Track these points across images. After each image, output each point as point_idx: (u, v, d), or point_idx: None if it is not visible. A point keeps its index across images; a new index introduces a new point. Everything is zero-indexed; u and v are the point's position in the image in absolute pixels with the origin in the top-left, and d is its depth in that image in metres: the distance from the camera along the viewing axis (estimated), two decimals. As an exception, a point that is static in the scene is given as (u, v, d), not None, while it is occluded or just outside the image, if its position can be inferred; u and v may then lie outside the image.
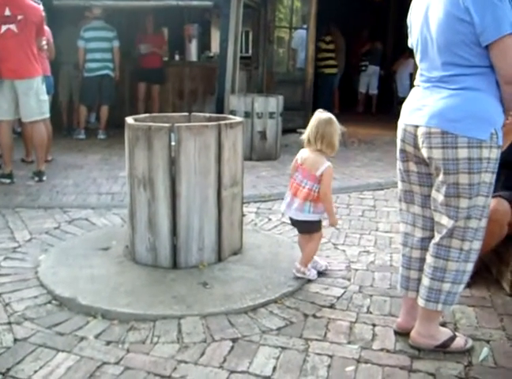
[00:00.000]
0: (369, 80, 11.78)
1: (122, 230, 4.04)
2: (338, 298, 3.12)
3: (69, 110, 8.46)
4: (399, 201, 2.72)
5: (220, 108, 7.35)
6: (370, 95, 11.90)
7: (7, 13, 5.27)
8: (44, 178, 5.61)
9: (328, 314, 2.92)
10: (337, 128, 3.25)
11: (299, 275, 3.30)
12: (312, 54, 9.08)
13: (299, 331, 2.74)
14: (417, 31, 2.50)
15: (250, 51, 9.50)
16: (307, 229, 3.35)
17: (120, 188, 5.33)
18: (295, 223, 3.42)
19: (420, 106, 2.44)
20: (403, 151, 2.57)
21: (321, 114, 3.26)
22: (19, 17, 5.33)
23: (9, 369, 2.39)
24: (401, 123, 2.56)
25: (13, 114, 5.51)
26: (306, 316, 2.90)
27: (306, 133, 3.30)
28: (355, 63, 11.92)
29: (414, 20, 2.55)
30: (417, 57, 2.54)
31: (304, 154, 3.35)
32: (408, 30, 2.63)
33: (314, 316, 2.90)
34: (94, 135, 8.21)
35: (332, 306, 3.01)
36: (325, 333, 2.73)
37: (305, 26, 9.16)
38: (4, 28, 5.27)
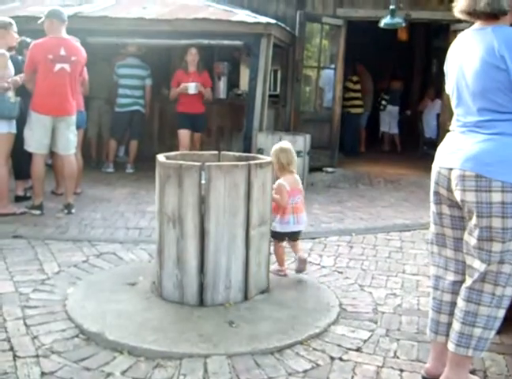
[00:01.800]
0: (389, 120, 11.80)
1: (150, 265, 4.07)
2: (365, 341, 3.09)
3: (99, 143, 8.62)
4: (430, 244, 2.72)
5: (247, 146, 7.44)
6: (391, 134, 11.91)
7: (62, 53, 5.49)
8: (73, 210, 5.70)
9: (354, 358, 2.89)
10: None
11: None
12: (339, 94, 9.18)
13: (326, 374, 2.72)
14: (453, 78, 2.54)
15: (278, 90, 9.61)
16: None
17: (147, 223, 5.38)
18: (297, 233, 4.08)
19: (455, 150, 2.47)
20: (436, 193, 2.59)
21: (282, 145, 4.13)
22: (72, 58, 5.57)
23: (35, 403, 2.41)
24: (436, 166, 2.59)
25: (49, 148, 5.67)
26: (332, 359, 2.87)
27: (277, 163, 4.01)
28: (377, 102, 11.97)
29: (451, 67, 2.60)
30: (453, 102, 2.58)
31: (286, 181, 3.99)
32: (445, 77, 2.67)
33: (341, 359, 2.88)
34: (122, 169, 8.32)
35: (358, 349, 2.99)
36: (352, 377, 2.71)
37: (333, 66, 9.27)
38: (58, 66, 5.48)
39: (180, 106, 7.70)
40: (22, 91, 5.53)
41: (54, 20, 5.56)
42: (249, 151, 6.89)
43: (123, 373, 2.67)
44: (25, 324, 3.15)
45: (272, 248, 3.90)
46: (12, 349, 2.86)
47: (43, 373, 2.64)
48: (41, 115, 5.47)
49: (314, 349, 2.96)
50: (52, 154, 6.01)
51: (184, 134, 7.71)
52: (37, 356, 2.80)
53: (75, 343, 2.95)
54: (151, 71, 8.39)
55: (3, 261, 4.17)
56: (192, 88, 7.48)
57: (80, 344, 2.94)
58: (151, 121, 9.10)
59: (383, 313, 3.48)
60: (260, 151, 6.69)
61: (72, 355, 2.81)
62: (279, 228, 3.94)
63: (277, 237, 3.98)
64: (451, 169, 2.47)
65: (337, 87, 9.11)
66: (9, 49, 5.58)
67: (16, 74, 5.50)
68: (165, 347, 2.86)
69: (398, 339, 3.12)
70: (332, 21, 8.87)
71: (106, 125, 8.47)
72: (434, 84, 11.17)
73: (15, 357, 2.78)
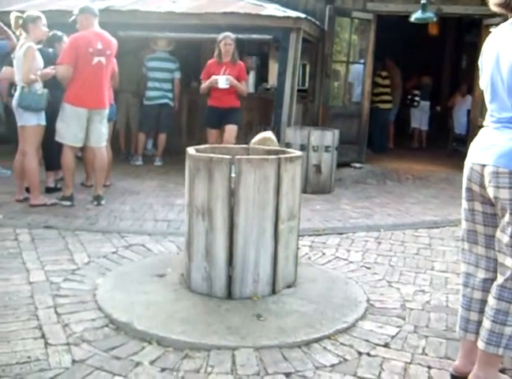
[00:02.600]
0: (420, 116, 11.68)
1: (178, 257, 4.11)
2: (393, 337, 3.07)
3: (127, 136, 8.70)
4: (462, 241, 2.69)
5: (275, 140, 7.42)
6: (421, 130, 11.80)
7: (99, 46, 5.58)
8: (103, 202, 5.77)
9: (382, 353, 2.88)
10: None
11: None
12: (368, 89, 9.11)
13: (353, 369, 2.72)
14: (488, 73, 2.50)
15: (307, 84, 9.57)
16: None
17: (176, 215, 5.42)
18: None
19: (489, 146, 2.44)
20: (469, 190, 2.56)
21: (266, 134, 4.37)
22: (108, 52, 5.66)
23: (66, 390, 2.45)
24: (469, 162, 2.55)
25: (83, 142, 5.74)
26: (360, 354, 2.87)
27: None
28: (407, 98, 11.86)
29: (485, 62, 2.56)
30: (487, 98, 2.54)
31: None
32: (480, 72, 2.63)
33: (368, 354, 2.87)
34: (151, 162, 8.39)
35: (386, 345, 2.97)
36: (380, 373, 2.70)
37: (362, 61, 9.21)
38: (96, 59, 5.57)
39: (211, 100, 7.06)
40: (50, 84, 5.61)
41: (88, 15, 5.63)
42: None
43: (152, 362, 2.70)
44: (56, 312, 3.20)
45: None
46: (43, 336, 2.91)
47: (73, 361, 2.68)
48: (77, 108, 5.54)
49: (342, 344, 2.96)
50: (82, 146, 6.07)
51: (212, 134, 7.06)
52: (68, 344, 2.85)
53: (105, 333, 2.99)
54: (180, 64, 8.43)
55: (35, 251, 4.24)
56: (222, 81, 6.77)
57: (110, 334, 2.98)
58: (180, 114, 9.15)
59: (411, 309, 3.45)
60: (288, 145, 6.67)
61: (102, 344, 2.85)
62: None
63: None
64: (484, 165, 2.43)
65: (366, 82, 9.04)
66: (38, 42, 5.65)
67: (45, 67, 5.58)
68: (193, 338, 2.88)
69: (426, 336, 3.10)
70: (362, 16, 8.80)
71: (133, 118, 8.54)
72: (465, 79, 11.04)
73: (46, 344, 2.83)
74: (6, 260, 4.02)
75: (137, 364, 2.68)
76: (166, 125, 8.42)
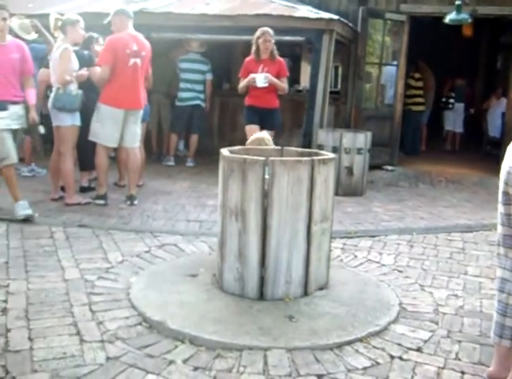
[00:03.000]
0: (454, 118, 11.54)
1: (210, 258, 4.14)
2: (425, 341, 3.05)
3: (159, 137, 8.79)
4: (497, 246, 2.65)
5: (307, 142, 7.42)
6: (455, 133, 11.65)
7: (135, 48, 5.66)
8: (136, 202, 5.83)
9: (415, 357, 2.86)
10: None
11: None
12: (401, 91, 9.04)
13: (386, 372, 2.71)
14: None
15: (339, 86, 9.54)
16: None
17: (208, 216, 5.45)
18: None
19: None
20: (505, 193, 2.52)
21: (261, 134, 4.26)
22: (142, 53, 5.73)
23: (101, 386, 2.49)
24: (505, 165, 2.52)
25: (118, 142, 5.83)
26: (392, 357, 2.85)
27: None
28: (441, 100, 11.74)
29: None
30: None
31: None
32: None
33: (401, 358, 2.85)
34: (183, 162, 8.46)
35: (419, 349, 2.95)
36: (412, 377, 2.69)
37: (395, 62, 9.14)
38: (132, 61, 5.64)
39: (249, 99, 6.69)
40: (85, 85, 5.70)
41: (123, 17, 5.71)
42: (309, 148, 6.88)
43: (185, 361, 2.73)
44: (91, 309, 3.26)
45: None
46: (78, 333, 2.97)
47: (108, 358, 2.73)
48: (114, 109, 5.62)
49: (374, 347, 2.95)
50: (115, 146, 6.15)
51: (253, 130, 6.31)
52: (102, 341, 2.89)
53: (138, 331, 3.03)
54: (211, 66, 8.48)
55: (69, 249, 4.32)
56: (260, 80, 6.39)
57: (143, 332, 3.02)
58: (211, 115, 9.21)
59: (444, 314, 3.42)
60: (320, 147, 6.66)
61: (135, 342, 2.89)
62: None
63: None
64: (522, 169, 2.40)
65: (399, 84, 8.97)
66: (74, 44, 5.75)
67: (80, 68, 5.67)
68: (226, 338, 2.90)
69: (460, 341, 3.07)
70: (395, 17, 8.73)
71: (165, 119, 8.62)
72: (500, 81, 10.87)
73: (81, 341, 2.88)
74: (42, 258, 4.10)
75: (170, 362, 2.71)
76: (198, 126, 8.47)
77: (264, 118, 6.54)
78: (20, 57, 5.10)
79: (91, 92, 5.72)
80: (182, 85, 8.37)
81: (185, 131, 8.68)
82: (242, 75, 6.65)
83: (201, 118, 8.54)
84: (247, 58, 6.66)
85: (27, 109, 5.22)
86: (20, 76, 5.14)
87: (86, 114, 5.67)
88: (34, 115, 5.26)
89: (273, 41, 6.46)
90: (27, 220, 4.97)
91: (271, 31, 6.45)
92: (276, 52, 6.55)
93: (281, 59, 6.66)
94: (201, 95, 8.43)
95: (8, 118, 4.97)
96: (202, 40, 8.31)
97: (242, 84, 6.59)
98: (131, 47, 5.61)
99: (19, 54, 5.09)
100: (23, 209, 5.01)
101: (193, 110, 8.40)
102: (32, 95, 5.28)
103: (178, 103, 8.44)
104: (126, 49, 5.58)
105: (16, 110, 5.06)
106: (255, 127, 6.48)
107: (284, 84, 6.63)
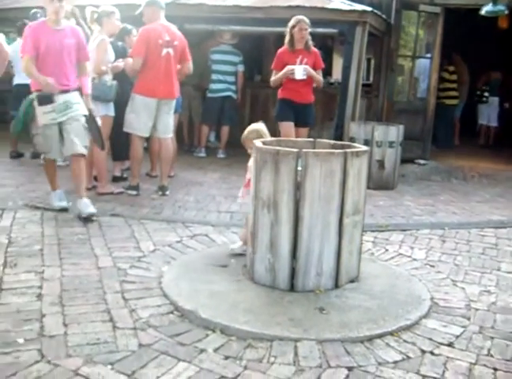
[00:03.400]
0: (488, 112, 11.35)
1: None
2: (457, 336, 3.02)
3: (189, 129, 8.83)
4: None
5: (338, 134, 7.39)
6: (489, 127, 11.46)
7: (167, 38, 5.70)
8: (167, 192, 5.88)
9: (446, 353, 2.84)
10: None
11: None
12: (435, 84, 8.92)
13: (416, 367, 2.69)
14: None
15: (371, 79, 9.46)
16: None
17: (238, 207, 5.45)
18: None
19: None
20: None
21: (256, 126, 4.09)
22: (175, 43, 5.77)
23: (133, 372, 2.53)
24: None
25: (150, 132, 5.88)
26: (423, 352, 2.83)
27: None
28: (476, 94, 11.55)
29: None
30: None
31: None
32: None
33: (432, 353, 2.83)
34: (214, 154, 8.49)
35: (450, 345, 2.93)
36: (444, 372, 2.66)
37: (428, 55, 9.03)
38: (165, 51, 5.70)
39: (284, 91, 6.30)
40: (120, 76, 5.75)
41: (155, 8, 5.75)
42: (340, 141, 6.85)
43: (216, 350, 2.75)
44: (123, 297, 3.30)
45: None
46: (111, 320, 3.01)
47: (140, 345, 2.77)
48: (147, 98, 5.67)
49: (405, 341, 2.93)
50: (148, 137, 6.20)
51: (288, 128, 6.20)
52: (135, 328, 2.93)
53: (170, 319, 3.06)
54: (243, 58, 8.48)
55: (102, 238, 4.38)
56: (300, 72, 6.01)
57: (175, 320, 3.05)
58: (242, 107, 9.22)
59: (476, 309, 3.38)
60: (352, 140, 6.62)
61: (167, 330, 2.93)
62: None
63: None
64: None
65: (433, 77, 8.85)
66: (110, 36, 5.81)
67: (115, 60, 5.73)
68: (256, 328, 2.92)
69: (492, 338, 3.03)
70: (429, 9, 8.61)
71: (195, 111, 8.66)
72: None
73: (114, 327, 2.93)
74: (76, 246, 4.17)
75: (201, 351, 2.73)
76: (229, 117, 8.49)
77: (299, 114, 6.23)
78: (76, 42, 4.97)
79: (125, 84, 5.78)
80: (214, 77, 8.39)
81: (216, 123, 8.71)
82: (275, 67, 6.27)
83: (233, 109, 8.55)
84: (280, 49, 6.30)
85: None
86: (75, 63, 5.00)
87: (120, 105, 5.74)
88: (89, 105, 5.11)
89: (309, 30, 6.13)
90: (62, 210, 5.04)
91: (306, 19, 6.13)
92: (311, 42, 6.24)
93: (316, 50, 6.36)
94: (233, 87, 8.45)
95: (54, 111, 4.82)
96: (234, 32, 8.32)
97: (278, 76, 6.17)
98: (163, 37, 5.65)
99: (74, 39, 4.96)
100: (59, 200, 5.08)
101: (225, 101, 8.43)
102: (87, 84, 5.17)
103: (209, 95, 8.47)
104: (159, 39, 5.62)
105: (65, 98, 4.85)
106: (290, 124, 6.21)
107: (321, 77, 6.32)
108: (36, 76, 4.78)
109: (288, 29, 6.15)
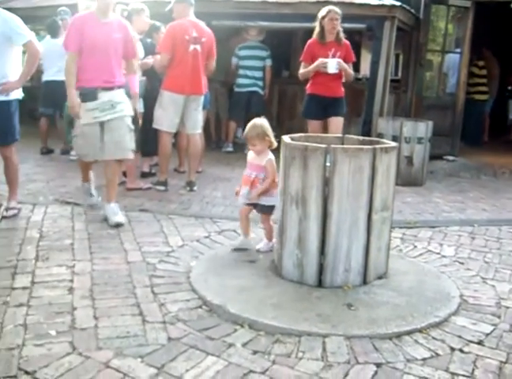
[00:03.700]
0: None
1: (269, 244, 4.17)
2: (487, 334, 2.99)
3: (217, 125, 8.86)
4: None
5: (366, 130, 7.35)
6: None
7: (194, 34, 5.74)
8: (195, 188, 5.92)
9: (476, 351, 2.81)
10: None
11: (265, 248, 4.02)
12: (464, 79, 8.82)
13: (445, 364, 2.67)
14: None
15: (400, 74, 9.38)
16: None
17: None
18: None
19: None
20: None
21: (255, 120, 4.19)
22: (203, 39, 5.80)
23: (163, 365, 2.56)
24: None
25: (177, 127, 5.92)
26: (452, 349, 2.81)
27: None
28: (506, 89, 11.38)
29: None
30: None
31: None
32: None
33: (461, 350, 2.81)
34: (241, 149, 8.50)
35: (480, 343, 2.90)
36: (473, 370, 2.64)
37: (458, 50, 8.92)
38: (192, 47, 5.73)
39: (312, 86, 6.05)
40: (149, 73, 5.80)
41: (184, 4, 5.78)
42: (368, 137, 6.81)
43: (244, 345, 2.76)
44: (153, 292, 3.34)
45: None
46: (141, 314, 3.05)
47: (169, 339, 2.79)
48: (175, 94, 5.72)
49: (434, 338, 2.91)
50: (175, 133, 6.25)
51: (315, 126, 6.04)
52: (164, 322, 2.96)
53: (199, 313, 3.09)
54: (271, 52, 8.47)
55: (131, 232, 4.43)
56: (333, 65, 5.77)
57: (204, 315, 3.08)
58: (270, 103, 9.21)
59: (507, 307, 3.34)
60: (380, 136, 6.58)
61: (196, 324, 2.95)
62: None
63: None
64: None
65: (462, 72, 8.74)
66: (140, 33, 5.85)
67: (144, 57, 5.78)
68: (285, 323, 2.92)
69: (523, 336, 3.00)
70: (459, 3, 8.50)
71: (222, 107, 8.68)
72: None
73: (144, 321, 2.96)
74: (106, 240, 4.23)
75: (230, 345, 2.75)
76: (256, 113, 8.45)
77: (329, 107, 6.02)
78: (123, 37, 4.69)
79: (154, 80, 5.84)
80: (241, 72, 8.42)
81: (243, 119, 8.71)
82: (304, 59, 6.00)
83: (260, 104, 8.55)
84: (309, 40, 6.03)
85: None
86: (121, 58, 4.76)
87: (149, 102, 5.79)
88: (135, 105, 4.96)
89: (340, 21, 5.86)
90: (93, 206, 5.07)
91: (337, 9, 5.87)
92: (343, 34, 5.98)
93: (347, 42, 6.09)
94: (260, 82, 8.45)
95: (97, 108, 4.54)
96: (260, 28, 8.31)
97: (309, 69, 5.90)
98: (190, 34, 5.68)
99: (121, 34, 4.67)
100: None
101: (251, 96, 8.43)
102: (135, 83, 4.98)
103: (236, 90, 8.50)
104: (185, 35, 5.65)
105: (110, 96, 4.58)
106: (318, 122, 6.03)
107: (352, 71, 6.09)
108: (69, 84, 4.57)
109: (317, 20, 5.93)
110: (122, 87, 4.71)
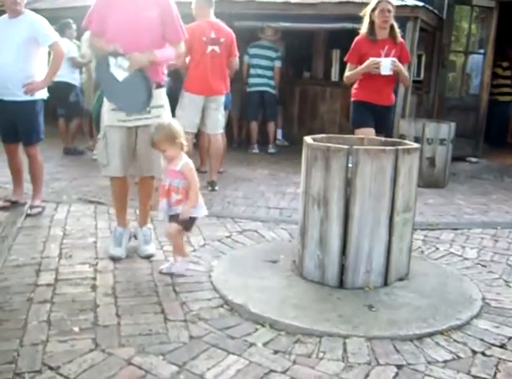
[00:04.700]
0: None
1: (290, 245, 4.18)
2: (510, 338, 2.96)
3: (239, 125, 8.90)
4: None
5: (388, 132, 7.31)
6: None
7: (212, 35, 5.78)
8: (217, 188, 5.95)
9: (498, 354, 2.79)
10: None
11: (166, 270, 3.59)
12: (488, 80, 8.74)
13: (467, 367, 2.66)
14: None
15: (422, 75, 9.32)
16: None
17: (287, 204, 5.49)
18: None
19: None
20: None
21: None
22: (221, 40, 5.85)
23: (184, 363, 2.58)
24: None
25: (197, 128, 5.95)
26: (474, 352, 2.79)
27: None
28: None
29: None
30: None
31: None
32: None
33: (483, 354, 2.79)
34: (264, 149, 8.52)
35: (503, 346, 2.87)
36: (495, 373, 2.62)
37: (481, 51, 8.84)
38: (210, 48, 5.79)
39: (361, 91, 5.15)
40: (172, 74, 5.84)
41: (204, 5, 5.82)
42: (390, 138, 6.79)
43: (265, 344, 2.78)
44: (174, 290, 3.37)
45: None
46: (163, 312, 3.08)
47: (191, 337, 2.82)
48: (194, 95, 5.77)
49: (455, 341, 2.89)
50: (197, 133, 6.28)
51: (369, 134, 4.91)
52: (185, 321, 2.99)
53: (220, 313, 3.10)
54: (291, 55, 8.48)
55: (153, 231, 4.44)
56: (387, 66, 4.89)
57: (225, 314, 3.09)
58: (291, 104, 9.22)
59: (530, 311, 3.32)
60: (402, 137, 6.54)
61: (217, 323, 2.97)
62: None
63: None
64: None
65: (486, 73, 8.67)
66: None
67: None
68: (306, 324, 2.93)
69: (547, 341, 2.97)
70: (483, 3, 8.43)
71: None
72: None
73: (166, 319, 2.99)
74: (128, 239, 4.25)
75: (251, 345, 2.77)
76: (271, 112, 8.54)
77: (379, 119, 5.16)
78: (159, 15, 3.61)
79: (177, 82, 5.89)
80: (253, 71, 8.45)
81: (258, 117, 8.70)
82: (349, 59, 5.12)
83: (274, 104, 8.58)
84: (357, 37, 5.13)
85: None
86: (159, 43, 3.68)
87: (172, 102, 5.81)
88: (151, 57, 3.58)
89: (393, 13, 4.99)
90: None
91: (392, 4, 4.97)
92: (398, 29, 5.11)
93: (403, 40, 5.28)
94: (271, 82, 8.47)
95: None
96: (276, 28, 8.32)
97: (358, 70, 5.03)
98: (208, 35, 5.72)
99: (156, 11, 3.60)
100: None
101: (263, 96, 8.45)
102: (166, 52, 3.78)
103: (248, 89, 8.53)
104: (203, 37, 5.70)
105: None
106: (371, 131, 5.04)
107: (406, 73, 5.24)
108: (100, 47, 3.64)
109: (366, 14, 5.09)
110: (162, 85, 3.85)
